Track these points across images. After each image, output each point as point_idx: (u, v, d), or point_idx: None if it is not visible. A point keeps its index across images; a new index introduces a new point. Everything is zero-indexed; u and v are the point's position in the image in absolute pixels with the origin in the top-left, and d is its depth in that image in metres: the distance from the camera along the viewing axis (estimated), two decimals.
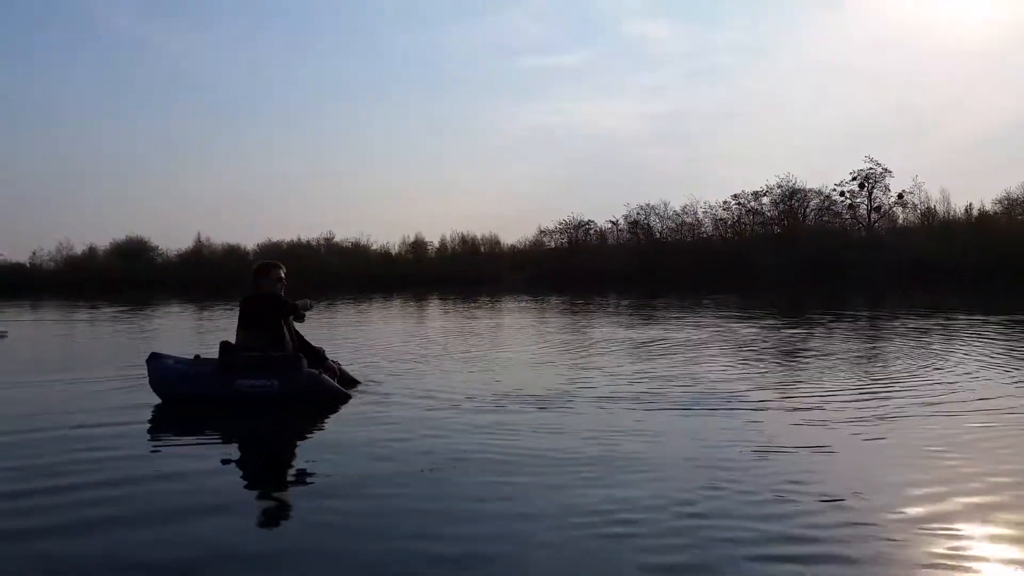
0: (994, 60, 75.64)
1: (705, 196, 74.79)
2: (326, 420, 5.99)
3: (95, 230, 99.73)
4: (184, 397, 6.50)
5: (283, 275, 6.91)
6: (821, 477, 4.03)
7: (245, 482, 4.46)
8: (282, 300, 6.79)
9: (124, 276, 50.03)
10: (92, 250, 60.05)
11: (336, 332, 14.08)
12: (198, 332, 15.55)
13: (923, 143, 71.02)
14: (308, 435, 5.69)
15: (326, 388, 6.54)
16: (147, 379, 6.65)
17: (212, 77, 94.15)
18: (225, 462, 4.94)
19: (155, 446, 5.33)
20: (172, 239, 76.05)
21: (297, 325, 7.02)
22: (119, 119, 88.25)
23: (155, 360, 6.61)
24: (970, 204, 48.14)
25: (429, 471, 4.25)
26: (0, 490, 4.04)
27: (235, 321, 6.81)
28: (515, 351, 10.66)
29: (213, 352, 6.87)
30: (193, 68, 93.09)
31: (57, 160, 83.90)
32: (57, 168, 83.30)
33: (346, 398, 6.55)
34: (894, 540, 3.12)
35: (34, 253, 59.58)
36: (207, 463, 4.77)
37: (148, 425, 5.86)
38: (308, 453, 5.17)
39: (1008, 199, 46.63)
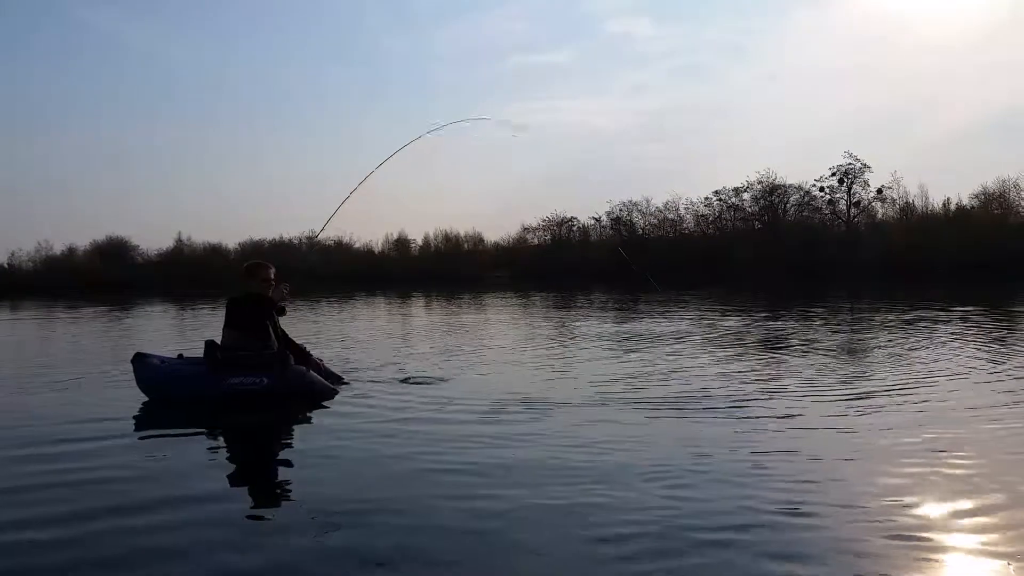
0: (973, 56, 76.35)
1: (692, 193, 74.72)
2: (313, 416, 6.04)
3: (75, 230, 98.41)
4: (172, 395, 6.52)
5: (271, 275, 6.95)
6: (818, 480, 3.93)
7: (230, 478, 4.48)
8: (268, 300, 6.82)
9: (104, 276, 49.41)
10: (72, 250, 59.17)
11: (319, 329, 14.08)
12: (180, 331, 15.49)
13: (902, 139, 71.59)
14: (295, 430, 5.74)
15: (314, 385, 6.61)
16: (132, 378, 6.66)
17: (195, 78, 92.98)
18: (212, 458, 4.98)
19: (141, 444, 5.36)
20: (153, 239, 75.35)
21: (282, 322, 7.06)
22: (100, 120, 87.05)
23: (141, 359, 6.61)
24: (948, 199, 48.69)
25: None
26: None
27: (216, 320, 6.83)
28: (499, 348, 10.73)
29: (196, 351, 6.90)
30: (175, 69, 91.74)
31: (35, 160, 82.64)
32: (35, 168, 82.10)
33: (333, 394, 6.62)
34: (891, 540, 3.11)
35: (12, 254, 58.49)
36: (194, 459, 4.81)
37: (134, 423, 5.89)
38: (295, 449, 5.22)
39: (985, 193, 47.16)
